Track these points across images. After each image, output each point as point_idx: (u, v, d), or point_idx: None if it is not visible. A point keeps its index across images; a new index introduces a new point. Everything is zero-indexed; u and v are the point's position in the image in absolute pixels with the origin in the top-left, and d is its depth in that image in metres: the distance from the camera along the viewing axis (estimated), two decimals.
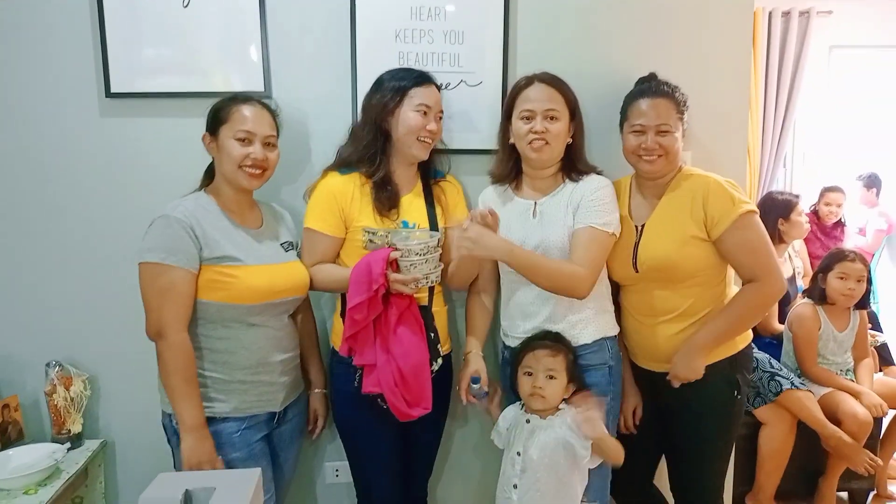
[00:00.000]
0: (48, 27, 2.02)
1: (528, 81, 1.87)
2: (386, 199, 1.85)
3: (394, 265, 1.74)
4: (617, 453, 1.78)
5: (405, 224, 1.88)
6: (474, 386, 1.92)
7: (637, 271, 1.89)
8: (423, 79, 1.89)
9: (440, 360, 1.88)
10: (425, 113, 1.85)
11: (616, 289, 2.02)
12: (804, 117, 5.16)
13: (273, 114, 1.83)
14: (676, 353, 1.87)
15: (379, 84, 1.90)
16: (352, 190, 1.86)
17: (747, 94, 2.32)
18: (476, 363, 1.96)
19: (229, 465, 1.71)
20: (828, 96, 5.23)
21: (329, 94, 2.12)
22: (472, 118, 2.13)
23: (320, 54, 2.11)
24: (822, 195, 4.68)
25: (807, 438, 2.74)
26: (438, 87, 1.93)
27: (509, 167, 1.97)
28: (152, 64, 2.05)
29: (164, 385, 1.66)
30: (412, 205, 1.91)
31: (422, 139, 1.86)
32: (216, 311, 1.69)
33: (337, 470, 2.31)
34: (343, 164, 1.91)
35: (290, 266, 1.83)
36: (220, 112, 1.76)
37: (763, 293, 1.83)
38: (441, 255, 1.85)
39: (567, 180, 1.90)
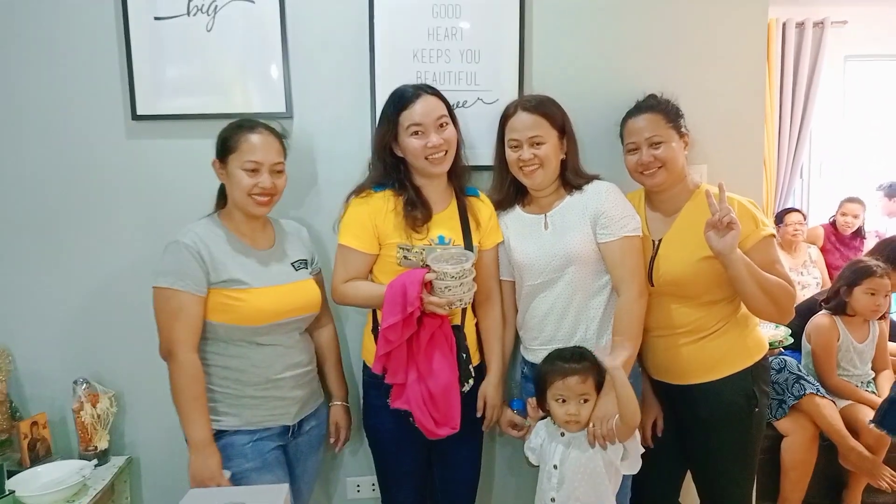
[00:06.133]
0: (76, 52, 2.07)
1: (514, 110, 1.90)
2: (418, 215, 1.84)
3: (428, 286, 1.73)
4: (633, 410, 1.68)
5: (441, 239, 1.87)
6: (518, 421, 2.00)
7: (653, 285, 1.91)
8: (404, 100, 1.84)
9: (471, 381, 1.87)
10: (418, 133, 1.82)
11: None
12: (820, 128, 5.14)
13: (280, 138, 1.84)
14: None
15: (381, 115, 1.91)
16: (384, 207, 1.86)
17: (762, 105, 2.33)
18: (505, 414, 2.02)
19: (243, 475, 1.73)
20: (844, 107, 5.20)
21: (349, 113, 2.16)
22: (488, 136, 2.12)
23: (340, 76, 2.15)
24: (840, 206, 4.67)
25: (831, 449, 2.71)
26: (432, 93, 1.86)
27: (510, 191, 2.00)
28: (177, 87, 2.09)
29: (174, 403, 1.71)
30: (446, 222, 1.90)
31: (430, 158, 1.84)
32: (224, 331, 1.75)
33: (358, 486, 2.32)
34: (375, 182, 1.91)
35: (298, 286, 1.86)
36: (227, 141, 1.78)
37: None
38: (475, 277, 1.80)
39: (570, 192, 1.93)
